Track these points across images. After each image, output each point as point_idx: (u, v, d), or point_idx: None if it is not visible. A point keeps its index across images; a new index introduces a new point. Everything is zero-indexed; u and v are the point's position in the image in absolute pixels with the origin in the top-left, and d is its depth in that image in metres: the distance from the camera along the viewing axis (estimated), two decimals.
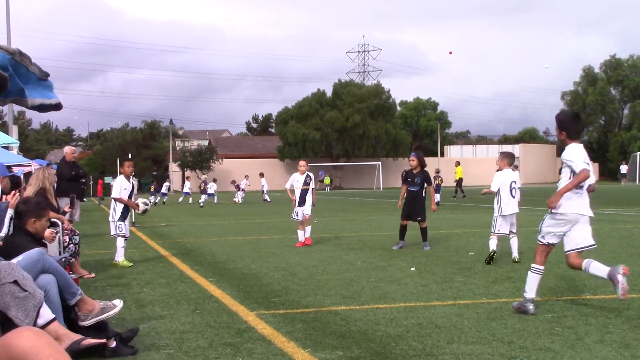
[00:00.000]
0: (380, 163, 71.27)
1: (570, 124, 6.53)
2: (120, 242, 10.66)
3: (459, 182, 36.84)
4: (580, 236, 6.44)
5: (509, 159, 10.04)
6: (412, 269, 9.40)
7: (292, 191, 13.24)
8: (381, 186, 68.26)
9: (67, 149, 15.00)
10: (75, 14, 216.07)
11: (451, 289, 7.70)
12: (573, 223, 6.40)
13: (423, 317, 6.18)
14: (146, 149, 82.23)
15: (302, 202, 13.08)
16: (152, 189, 40.55)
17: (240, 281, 8.66)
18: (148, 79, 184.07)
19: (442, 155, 79.78)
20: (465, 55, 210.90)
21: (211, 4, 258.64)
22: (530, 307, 6.26)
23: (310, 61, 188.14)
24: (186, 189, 42.97)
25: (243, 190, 41.03)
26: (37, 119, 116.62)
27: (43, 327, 4.59)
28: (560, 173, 6.69)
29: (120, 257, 10.58)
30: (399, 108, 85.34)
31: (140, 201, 11.57)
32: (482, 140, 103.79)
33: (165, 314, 6.63)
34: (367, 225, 18.33)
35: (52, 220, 7.62)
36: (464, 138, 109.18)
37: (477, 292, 7.52)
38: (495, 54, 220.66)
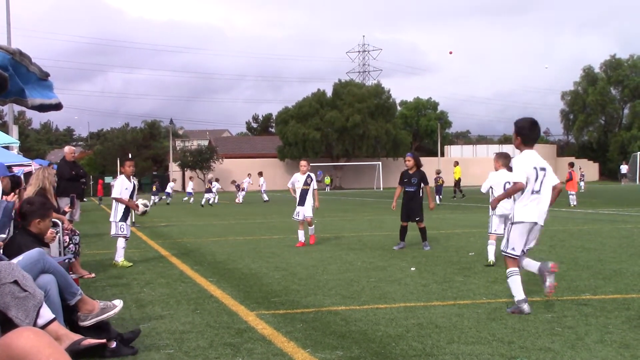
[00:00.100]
0: (380, 163, 71.30)
1: (527, 131, 6.68)
2: (120, 242, 10.66)
3: (458, 182, 36.94)
4: (529, 239, 6.65)
5: (504, 160, 10.03)
6: (412, 269, 9.40)
7: (295, 190, 13.34)
8: (381, 186, 68.27)
9: (67, 149, 15.01)
10: (75, 14, 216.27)
11: (451, 289, 7.70)
12: (530, 229, 6.58)
13: (423, 317, 6.18)
14: (146, 149, 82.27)
15: (302, 202, 13.11)
16: (155, 188, 40.53)
17: (240, 281, 8.66)
18: (148, 79, 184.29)
19: (442, 155, 79.81)
20: (465, 55, 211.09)
21: (211, 4, 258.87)
22: (525, 306, 6.30)
23: (310, 61, 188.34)
24: (189, 189, 42.96)
25: (244, 189, 41.03)
26: (37, 118, 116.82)
27: (43, 327, 4.58)
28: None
29: (120, 257, 10.57)
30: (399, 108, 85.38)
31: (140, 202, 11.56)
32: (482, 140, 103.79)
33: (165, 314, 6.63)
34: (367, 225, 18.33)
35: (52, 220, 7.62)
36: (464, 138, 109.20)
37: (477, 292, 7.52)
38: (495, 54, 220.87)
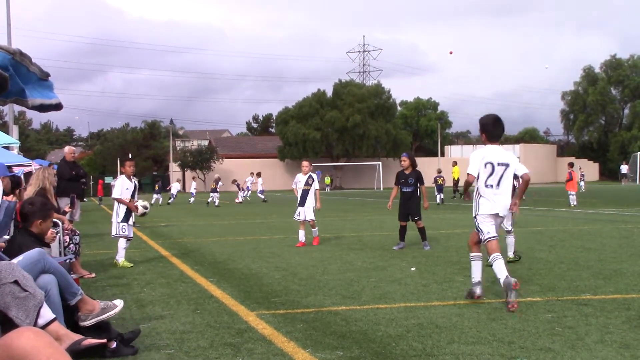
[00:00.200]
0: (380, 163, 71.33)
1: (491, 127, 6.99)
2: (122, 242, 10.64)
3: (457, 182, 36.99)
4: (497, 223, 7.01)
5: None
6: (413, 269, 9.40)
7: (297, 190, 13.41)
8: (381, 186, 68.26)
9: (67, 149, 15.01)
10: (75, 14, 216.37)
11: (451, 289, 7.70)
12: (494, 218, 6.91)
13: (423, 317, 6.18)
14: (146, 149, 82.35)
15: (302, 202, 13.13)
16: (157, 187, 40.52)
17: (240, 281, 8.66)
18: (148, 79, 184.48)
19: (443, 155, 79.84)
20: (465, 55, 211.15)
21: (211, 4, 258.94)
22: (477, 290, 6.90)
23: (310, 61, 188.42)
24: (192, 189, 42.93)
25: (248, 188, 40.97)
26: (37, 119, 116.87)
27: (43, 327, 4.58)
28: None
29: (121, 257, 10.56)
30: (399, 108, 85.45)
31: (140, 204, 11.55)
32: None
33: (165, 314, 6.63)
34: (367, 225, 18.34)
35: (52, 220, 7.63)
36: (464, 138, 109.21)
37: None
38: (495, 54, 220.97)
